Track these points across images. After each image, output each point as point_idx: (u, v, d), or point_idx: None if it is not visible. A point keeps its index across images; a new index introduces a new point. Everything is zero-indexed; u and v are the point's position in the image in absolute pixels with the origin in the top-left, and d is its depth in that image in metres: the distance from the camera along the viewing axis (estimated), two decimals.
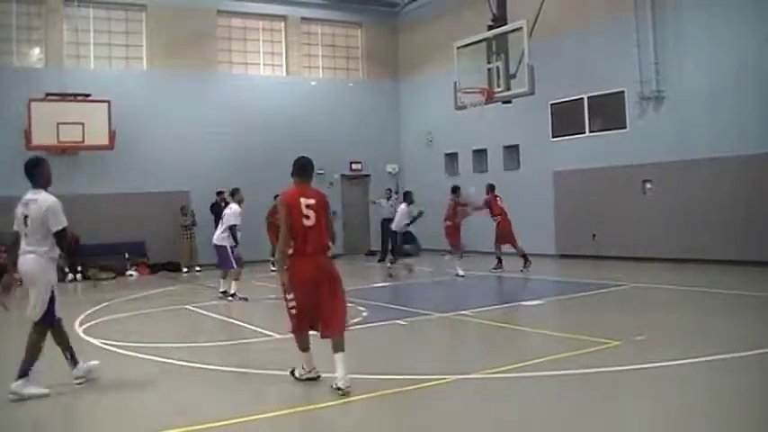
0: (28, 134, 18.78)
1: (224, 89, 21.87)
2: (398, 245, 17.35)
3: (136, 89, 20.49)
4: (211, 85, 21.77)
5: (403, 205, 17.03)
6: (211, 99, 21.60)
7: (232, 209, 13.33)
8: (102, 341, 9.27)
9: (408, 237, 19.51)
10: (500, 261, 16.43)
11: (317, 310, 6.24)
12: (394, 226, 17.10)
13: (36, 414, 6.14)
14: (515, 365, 6.98)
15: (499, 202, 16.72)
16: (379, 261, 20.19)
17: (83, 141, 19.28)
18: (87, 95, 19.56)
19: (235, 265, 13.29)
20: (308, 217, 6.24)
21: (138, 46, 21.27)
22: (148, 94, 20.71)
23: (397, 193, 21.63)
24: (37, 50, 20.33)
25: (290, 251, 6.22)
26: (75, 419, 6.24)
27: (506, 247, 16.61)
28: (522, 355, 7.52)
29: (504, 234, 16.54)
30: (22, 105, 18.65)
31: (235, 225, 13.11)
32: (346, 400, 5.98)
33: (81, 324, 10.93)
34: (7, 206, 17.79)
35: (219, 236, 13.33)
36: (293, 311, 6.29)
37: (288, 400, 6.23)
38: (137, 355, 8.38)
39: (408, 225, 17.34)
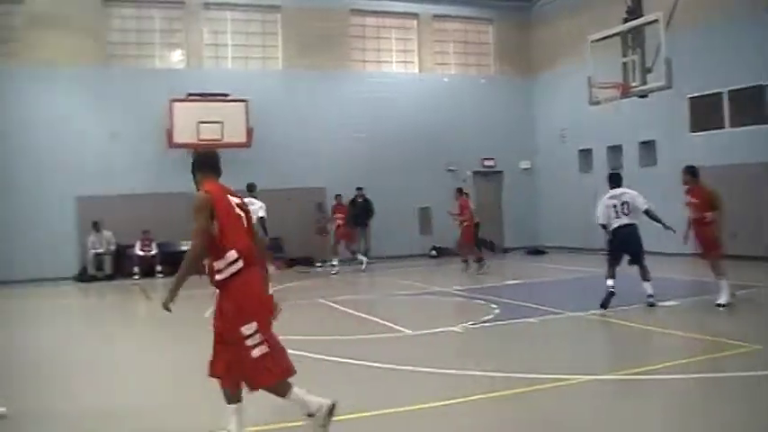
0: (170, 133, 20.27)
1: (358, 87, 22.77)
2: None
3: (272, 88, 21.64)
4: (345, 83, 22.72)
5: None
6: (345, 97, 22.53)
7: (256, 204, 13.55)
8: None
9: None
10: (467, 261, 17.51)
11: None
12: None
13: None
14: (648, 367, 6.94)
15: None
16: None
17: (221, 139, 20.51)
18: (226, 95, 20.83)
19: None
20: (241, 218, 5.09)
21: (274, 46, 22.52)
22: (284, 93, 21.82)
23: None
24: (178, 53, 21.96)
25: (223, 264, 4.88)
26: (195, 409, 6.40)
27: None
28: (655, 357, 7.51)
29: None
30: (165, 105, 20.17)
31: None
32: (475, 397, 6.11)
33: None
34: (152, 201, 19.34)
35: None
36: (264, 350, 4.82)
37: (419, 395, 6.31)
38: None
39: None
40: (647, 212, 10.59)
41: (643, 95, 16.17)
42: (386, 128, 22.63)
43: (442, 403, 5.95)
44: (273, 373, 4.84)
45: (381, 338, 8.91)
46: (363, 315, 11.60)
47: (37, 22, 20.28)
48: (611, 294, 10.36)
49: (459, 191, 17.92)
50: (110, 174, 20.12)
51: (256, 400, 6.44)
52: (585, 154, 22.84)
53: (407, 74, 23.87)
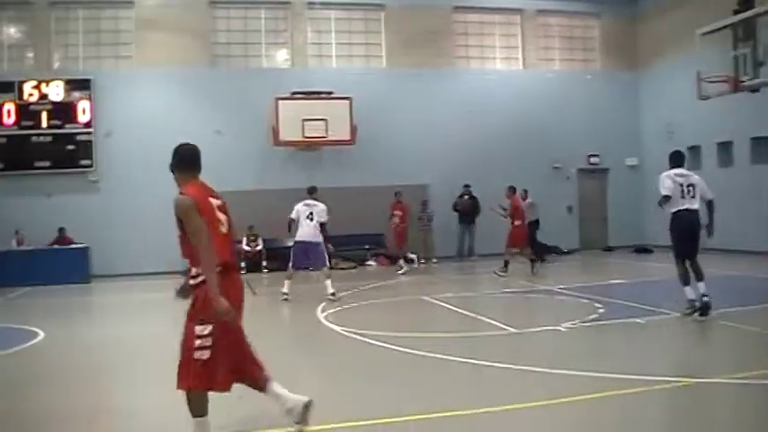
0: (275, 131, 20.82)
1: (461, 84, 22.77)
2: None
3: (375, 86, 21.86)
4: (449, 80, 22.75)
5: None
6: (449, 94, 22.55)
7: (321, 207, 13.84)
8: (343, 328, 10.00)
9: None
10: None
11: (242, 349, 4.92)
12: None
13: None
14: (762, 371, 6.61)
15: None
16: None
17: (326, 137, 21.05)
18: (330, 93, 21.22)
19: (328, 263, 13.85)
20: (221, 223, 4.98)
21: (377, 44, 22.78)
22: (388, 91, 22.00)
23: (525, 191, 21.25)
24: (283, 52, 22.46)
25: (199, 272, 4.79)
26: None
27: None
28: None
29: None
30: (270, 104, 20.72)
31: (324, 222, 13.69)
32: (579, 398, 6.01)
33: (323, 311, 11.87)
34: (258, 198, 19.80)
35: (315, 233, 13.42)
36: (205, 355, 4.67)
37: (522, 394, 6.27)
38: (374, 342, 8.81)
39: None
40: (710, 204, 9.65)
41: (755, 90, 15.63)
42: (489, 125, 22.55)
43: (545, 403, 5.92)
44: (195, 381, 4.67)
45: (485, 336, 8.86)
46: (467, 313, 11.54)
47: (146, 25, 21.15)
48: (705, 306, 9.32)
49: (511, 189, 17.24)
50: (216, 171, 20.46)
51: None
52: (694, 151, 22.25)
53: (511, 70, 23.78)
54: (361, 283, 16.36)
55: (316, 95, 21.17)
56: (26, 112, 20.34)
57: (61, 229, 19.93)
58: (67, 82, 20.59)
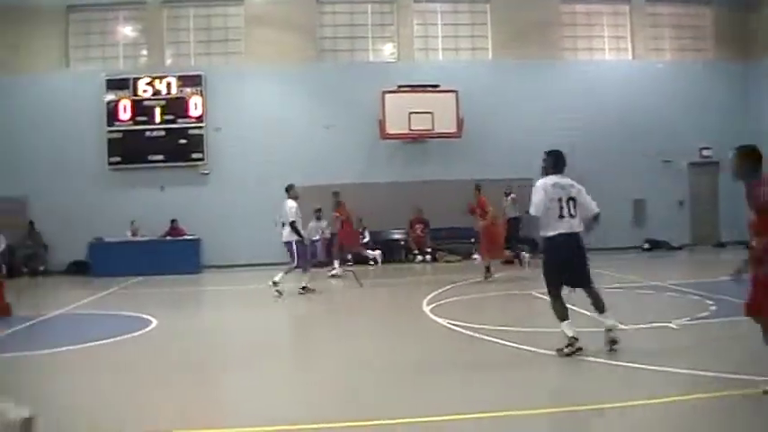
0: (382, 124, 21.44)
1: (568, 76, 22.89)
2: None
3: (482, 79, 22.20)
4: (556, 72, 22.92)
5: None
6: (556, 86, 22.71)
7: (289, 205, 14.34)
8: (449, 321, 10.17)
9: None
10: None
11: None
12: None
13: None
14: None
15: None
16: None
17: (432, 130, 21.55)
18: (436, 86, 21.66)
19: (297, 262, 14.22)
20: None
21: (484, 37, 23.12)
22: (494, 83, 22.30)
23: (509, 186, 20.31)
24: (389, 45, 23.13)
25: None
26: (413, 396, 6.55)
27: None
28: None
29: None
30: (377, 97, 21.27)
31: (294, 221, 14.12)
32: (689, 397, 6.00)
33: (428, 304, 12.09)
34: (364, 191, 20.21)
35: (286, 233, 14.23)
36: None
37: (631, 391, 6.28)
38: (480, 336, 8.92)
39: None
40: (596, 218, 7.86)
41: None
42: (597, 117, 22.58)
43: (654, 401, 5.89)
44: None
45: (594, 332, 8.59)
46: (575, 308, 11.50)
47: (254, 22, 22.11)
48: (574, 348, 7.53)
49: (477, 187, 16.47)
50: (325, 165, 21.48)
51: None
52: None
53: (620, 61, 23.77)
54: (466, 276, 16.52)
55: (422, 88, 21.58)
56: (140, 108, 21.53)
57: (173, 221, 20.98)
58: (179, 78, 21.68)
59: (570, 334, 7.52)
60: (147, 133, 21.46)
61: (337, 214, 18.15)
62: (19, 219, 21.24)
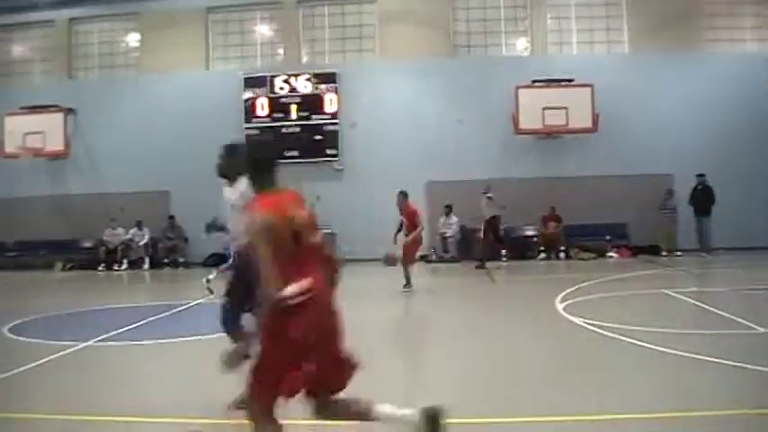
0: (515, 119, 21.93)
1: (708, 68, 22.55)
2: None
3: (618, 72, 22.21)
4: (694, 64, 22.60)
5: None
6: (695, 79, 22.42)
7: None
8: (582, 320, 10.26)
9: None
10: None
11: None
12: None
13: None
14: None
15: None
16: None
17: (566, 125, 21.89)
18: (570, 80, 21.92)
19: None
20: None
21: (619, 29, 23.24)
22: (631, 77, 22.24)
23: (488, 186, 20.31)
24: (523, 40, 23.63)
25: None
26: (544, 394, 6.68)
27: None
28: None
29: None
30: (510, 93, 21.73)
31: None
32: None
33: (562, 301, 12.24)
34: (498, 186, 20.77)
35: None
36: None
37: (733, 398, 6.21)
38: (614, 335, 8.95)
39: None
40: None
41: None
42: (739, 111, 22.19)
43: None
44: None
45: (728, 335, 8.63)
46: (711, 308, 11.33)
47: (388, 19, 23.02)
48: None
49: (403, 194, 15.20)
50: (458, 160, 22.12)
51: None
52: None
53: (764, 52, 23.42)
54: (600, 274, 16.63)
55: (556, 83, 21.89)
56: (277, 105, 22.81)
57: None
58: (315, 75, 22.84)
59: None
60: (284, 130, 22.62)
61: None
62: (161, 213, 22.88)
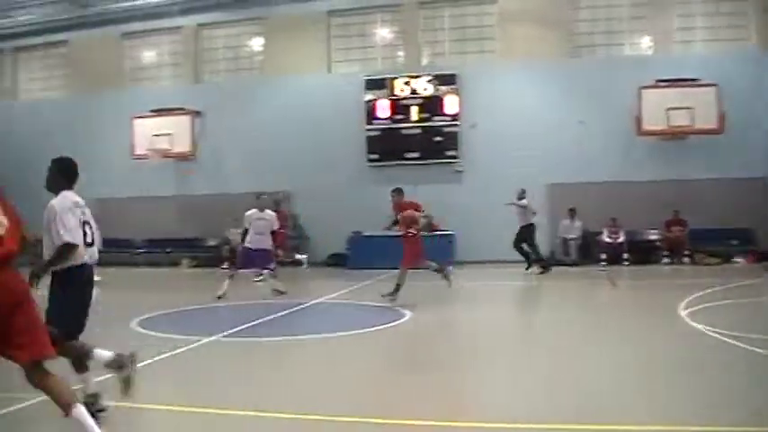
0: (638, 120, 21.88)
1: None
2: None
3: (745, 70, 21.96)
4: None
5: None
6: None
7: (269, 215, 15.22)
8: (708, 327, 9.98)
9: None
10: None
11: None
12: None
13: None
14: None
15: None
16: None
17: (692, 126, 21.65)
18: (695, 80, 21.71)
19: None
20: None
21: (744, 27, 22.89)
22: (758, 75, 21.97)
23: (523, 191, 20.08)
24: (646, 38, 23.55)
25: None
26: (663, 402, 6.50)
27: None
28: None
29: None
30: (633, 93, 21.68)
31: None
32: None
33: (686, 308, 12.02)
34: (620, 189, 20.79)
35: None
36: None
37: None
38: (738, 344, 8.61)
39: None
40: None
41: None
42: None
43: None
44: None
45: None
46: None
47: (508, 19, 23.36)
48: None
49: (398, 191, 14.81)
50: (579, 162, 22.27)
51: None
52: None
53: None
54: (726, 280, 16.31)
55: (680, 82, 21.68)
56: (398, 107, 23.50)
57: (426, 216, 22.62)
58: (435, 77, 23.42)
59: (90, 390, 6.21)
60: (404, 131, 23.28)
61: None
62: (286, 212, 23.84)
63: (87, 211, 6.28)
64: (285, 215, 18.17)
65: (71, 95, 28.00)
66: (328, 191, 23.31)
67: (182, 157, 25.01)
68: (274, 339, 10.65)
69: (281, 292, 14.85)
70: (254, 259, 14.93)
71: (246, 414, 6.31)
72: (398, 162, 23.13)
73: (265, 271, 15.83)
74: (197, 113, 24.95)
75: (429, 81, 23.30)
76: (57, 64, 28.86)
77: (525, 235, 19.74)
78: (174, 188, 25.33)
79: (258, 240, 14.82)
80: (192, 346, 9.78)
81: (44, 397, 5.18)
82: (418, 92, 23.28)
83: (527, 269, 19.57)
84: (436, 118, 23.10)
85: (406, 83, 23.39)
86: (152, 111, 25.03)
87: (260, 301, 14.88)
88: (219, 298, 14.37)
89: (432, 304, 14.28)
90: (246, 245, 14.87)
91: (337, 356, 9.32)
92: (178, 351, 9.39)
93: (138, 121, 25.06)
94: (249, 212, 15.00)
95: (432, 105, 23.15)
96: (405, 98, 23.35)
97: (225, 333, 10.71)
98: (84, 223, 6.14)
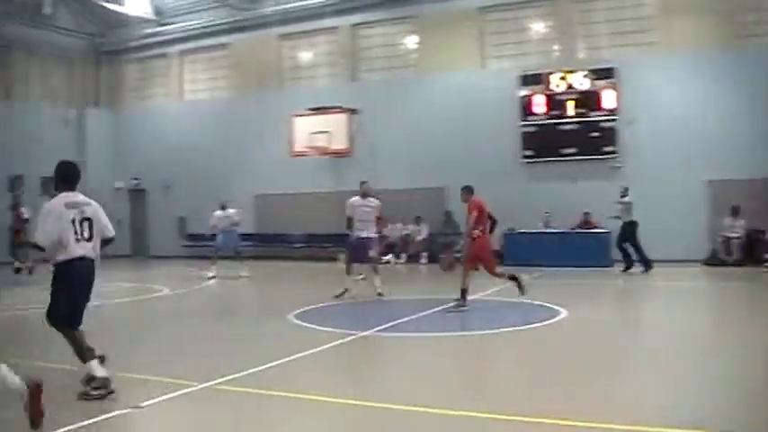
0: None
1: None
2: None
3: None
4: None
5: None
6: None
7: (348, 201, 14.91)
8: None
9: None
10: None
11: None
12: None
13: None
14: None
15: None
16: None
17: None
18: None
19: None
20: None
21: None
22: None
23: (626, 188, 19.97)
24: None
25: None
26: None
27: None
28: None
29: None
30: None
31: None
32: None
33: None
34: None
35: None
36: None
37: None
38: None
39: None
40: (110, 242, 7.39)
41: None
42: None
43: None
44: None
45: None
46: None
47: (670, 9, 22.64)
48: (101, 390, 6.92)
49: (468, 189, 13.85)
50: (742, 157, 21.54)
51: None
52: None
53: None
54: None
55: None
56: (553, 102, 23.50)
57: (586, 213, 22.64)
58: (591, 71, 23.26)
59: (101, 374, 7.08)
60: (560, 127, 23.28)
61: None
62: (438, 209, 24.38)
63: (89, 208, 7.08)
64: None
65: (232, 95, 29.47)
66: (482, 187, 23.28)
67: (338, 154, 25.77)
68: (428, 335, 11.06)
69: (381, 294, 14.70)
70: (362, 248, 14.87)
71: (410, 409, 6.59)
72: (554, 158, 23.17)
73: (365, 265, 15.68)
74: (353, 111, 25.70)
75: (585, 75, 23.09)
76: (219, 66, 30.34)
77: (628, 233, 19.79)
78: (331, 184, 26.20)
79: (363, 227, 14.85)
80: (346, 339, 10.37)
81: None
82: (574, 87, 23.18)
83: (624, 270, 19.60)
84: (593, 113, 22.93)
85: (562, 78, 23.33)
86: (310, 109, 25.93)
87: (415, 297, 15.52)
88: (342, 295, 14.76)
89: (587, 303, 14.43)
90: (354, 234, 14.86)
91: (491, 354, 9.71)
92: (333, 344, 9.95)
93: (296, 120, 26.01)
94: (352, 200, 14.99)
95: (588, 100, 23.02)
96: (560, 93, 23.31)
97: (379, 328, 11.24)
98: (84, 220, 6.95)
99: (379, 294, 14.77)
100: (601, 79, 23.03)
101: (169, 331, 12.27)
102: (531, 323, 11.63)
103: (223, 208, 20.98)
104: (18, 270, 21.58)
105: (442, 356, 9.59)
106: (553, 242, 22.02)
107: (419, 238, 24.58)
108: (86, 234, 6.95)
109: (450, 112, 24.56)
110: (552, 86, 23.43)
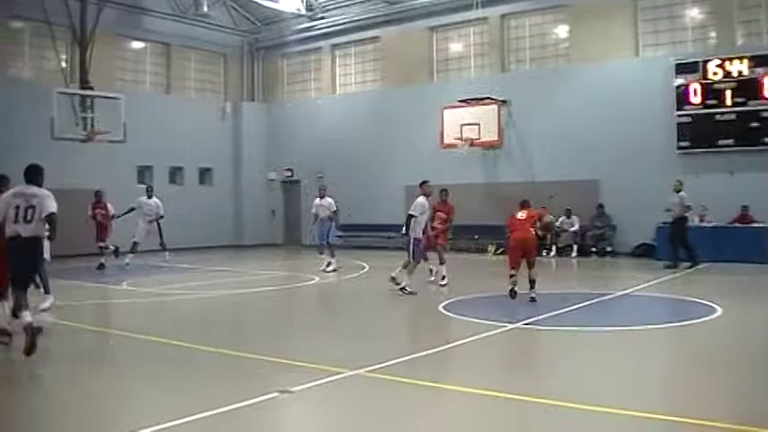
0: None
1: None
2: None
3: None
4: None
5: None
6: None
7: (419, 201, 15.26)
8: None
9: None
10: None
11: None
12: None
13: None
14: None
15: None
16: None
17: None
18: None
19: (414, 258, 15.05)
20: None
21: None
22: None
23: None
24: None
25: None
26: None
27: None
28: None
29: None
30: None
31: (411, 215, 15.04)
32: None
33: None
34: None
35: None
36: None
37: None
38: None
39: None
40: (51, 217, 9.27)
41: None
42: None
43: None
44: None
45: None
46: None
47: None
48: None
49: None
50: None
51: None
52: None
53: None
54: None
55: None
56: (710, 91, 23.30)
57: (744, 207, 22.42)
58: (750, 58, 22.94)
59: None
60: (717, 117, 23.10)
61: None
62: (590, 201, 24.73)
63: (33, 199, 9.13)
64: (451, 207, 18.26)
65: (383, 88, 30.61)
66: (635, 179, 23.78)
67: (489, 146, 26.45)
68: (578, 329, 11.39)
69: (409, 292, 15.06)
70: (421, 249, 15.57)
71: (562, 405, 6.73)
72: (711, 149, 23.04)
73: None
74: (503, 102, 26.30)
75: (744, 63, 22.77)
76: (369, 59, 31.56)
77: (677, 229, 19.97)
78: (481, 176, 26.96)
79: (419, 228, 15.35)
80: (495, 332, 10.88)
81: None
82: (733, 74, 22.90)
83: (668, 267, 19.59)
84: (753, 102, 22.61)
85: (720, 65, 23.08)
86: (460, 101, 26.67)
87: (564, 291, 15.90)
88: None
89: (748, 300, 14.37)
90: (416, 236, 15.28)
91: (645, 350, 9.86)
92: (480, 336, 10.49)
93: (447, 111, 26.83)
94: (420, 200, 15.42)
95: (748, 88, 22.66)
96: (718, 82, 23.07)
97: (527, 321, 11.73)
98: (28, 208, 9.04)
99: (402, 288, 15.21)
100: (761, 66, 22.60)
101: (319, 319, 13.39)
102: (684, 320, 11.82)
103: (321, 196, 21.57)
104: (101, 266, 21.13)
105: (601, 351, 9.66)
106: (708, 237, 21.79)
107: (570, 230, 24.92)
108: (22, 218, 9.03)
109: (602, 102, 24.78)
110: (709, 75, 23.22)
